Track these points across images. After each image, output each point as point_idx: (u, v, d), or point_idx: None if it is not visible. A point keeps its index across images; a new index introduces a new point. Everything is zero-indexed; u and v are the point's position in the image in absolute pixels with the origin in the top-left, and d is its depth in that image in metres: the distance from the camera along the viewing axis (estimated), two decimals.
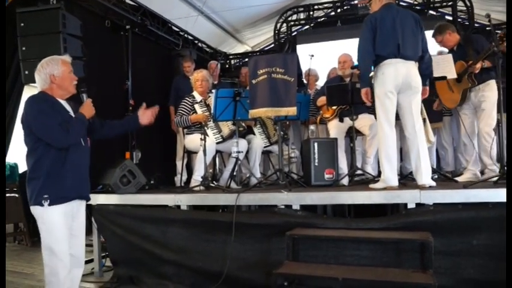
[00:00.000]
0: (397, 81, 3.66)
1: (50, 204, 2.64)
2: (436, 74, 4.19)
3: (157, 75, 7.03)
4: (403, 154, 5.26)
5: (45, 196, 2.64)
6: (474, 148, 4.40)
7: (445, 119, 5.42)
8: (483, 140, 4.26)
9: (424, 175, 3.63)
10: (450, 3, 8.21)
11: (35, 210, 2.70)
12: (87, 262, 4.61)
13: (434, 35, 4.58)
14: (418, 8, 8.66)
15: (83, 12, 5.45)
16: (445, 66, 4.25)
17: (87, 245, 5.20)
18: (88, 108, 2.83)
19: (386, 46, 3.67)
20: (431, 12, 8.73)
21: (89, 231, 4.70)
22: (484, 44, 4.27)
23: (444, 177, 4.55)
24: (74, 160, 2.74)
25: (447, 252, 3.11)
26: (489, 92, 4.27)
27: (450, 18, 8.31)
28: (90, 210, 4.44)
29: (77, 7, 5.40)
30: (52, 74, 2.75)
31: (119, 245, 4.23)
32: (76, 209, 2.84)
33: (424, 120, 4.11)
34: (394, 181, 3.69)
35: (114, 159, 4.82)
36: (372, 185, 3.86)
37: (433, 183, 3.64)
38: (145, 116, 3.10)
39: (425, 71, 3.87)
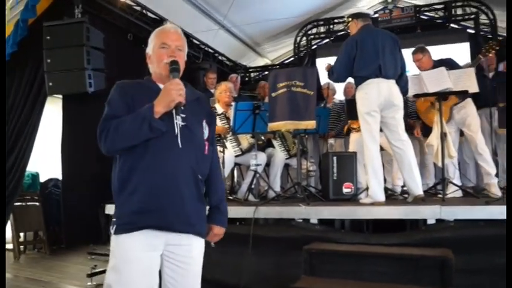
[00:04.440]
0: (380, 100, 3.84)
1: (115, 232, 1.80)
2: (457, 88, 4.16)
3: None
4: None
5: (113, 220, 1.84)
6: (455, 166, 4.70)
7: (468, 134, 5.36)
8: (483, 153, 4.43)
9: (420, 186, 3.87)
10: (473, 16, 8.12)
11: None
12: (104, 272, 4.66)
13: (415, 53, 4.73)
14: (439, 21, 8.59)
15: (106, 26, 5.58)
16: (467, 81, 4.22)
17: (104, 255, 5.30)
18: (165, 94, 1.78)
19: (368, 67, 3.86)
20: (452, 25, 8.65)
21: (106, 241, 4.77)
22: (457, 65, 4.60)
23: (465, 193, 4.47)
24: (151, 170, 1.79)
25: (468, 270, 3.03)
26: (469, 108, 4.54)
27: (472, 31, 8.23)
28: (109, 220, 4.49)
29: (100, 20, 5.52)
30: (147, 53, 2.03)
31: None
32: (173, 246, 1.85)
33: (444, 134, 4.07)
34: (381, 196, 3.85)
35: None
36: (361, 200, 3.99)
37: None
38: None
39: (403, 89, 4.03)
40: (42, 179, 7.12)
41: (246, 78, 9.76)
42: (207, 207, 2.03)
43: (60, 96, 5.73)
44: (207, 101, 2.14)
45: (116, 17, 5.79)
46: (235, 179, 5.66)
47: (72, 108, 5.55)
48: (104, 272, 4.65)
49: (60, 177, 6.03)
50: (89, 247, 5.95)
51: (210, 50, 8.04)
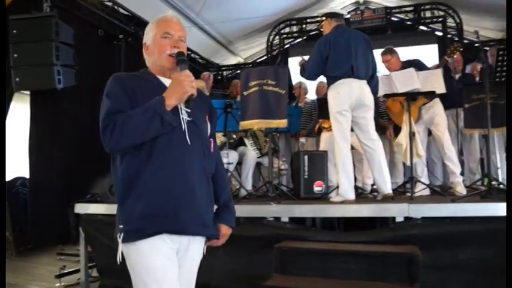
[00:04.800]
0: (351, 99, 3.90)
1: (123, 241, 1.65)
2: (425, 89, 4.25)
3: None
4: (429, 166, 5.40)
5: (120, 227, 1.67)
6: (424, 164, 4.81)
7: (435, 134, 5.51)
8: (449, 152, 4.51)
9: (388, 184, 3.94)
10: (440, 20, 8.34)
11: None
12: (73, 272, 4.59)
13: (384, 54, 4.80)
14: (409, 23, 8.77)
15: (76, 21, 5.47)
16: (435, 81, 4.31)
17: (74, 255, 5.21)
18: (177, 86, 1.65)
19: (340, 67, 3.91)
20: (422, 27, 8.85)
21: (76, 241, 4.69)
22: (425, 65, 4.70)
23: (433, 191, 4.58)
24: (161, 169, 1.66)
25: (434, 267, 3.12)
26: (437, 108, 4.63)
27: (440, 33, 8.44)
28: (78, 219, 4.41)
29: (70, 15, 5.42)
30: (144, 43, 1.87)
31: (106, 256, 4.18)
32: (183, 250, 1.74)
33: (413, 134, 4.16)
34: (351, 195, 3.91)
35: (104, 168, 4.78)
36: (332, 199, 4.04)
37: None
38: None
39: (373, 89, 4.11)
40: (9, 177, 6.92)
41: (219, 77, 9.74)
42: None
43: (28, 92, 5.59)
44: (208, 96, 2.07)
45: (87, 12, 5.69)
46: None
47: (40, 105, 5.43)
48: (73, 272, 4.59)
49: (27, 175, 5.89)
50: (57, 247, 5.83)
51: None
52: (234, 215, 1.98)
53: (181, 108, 1.70)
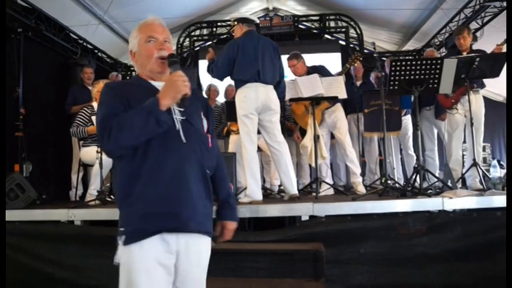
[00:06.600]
0: (258, 103, 4.01)
1: (126, 242, 1.68)
2: (328, 94, 4.50)
3: (53, 84, 6.64)
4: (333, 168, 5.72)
5: (121, 229, 1.71)
6: (327, 166, 5.07)
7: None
8: (350, 154, 4.81)
9: (294, 185, 4.09)
10: (344, 30, 8.86)
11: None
12: None
13: (290, 59, 5.02)
14: (315, 31, 9.20)
15: None
16: (337, 87, 4.58)
17: None
18: (171, 86, 1.66)
19: (247, 71, 4.01)
20: (327, 36, 9.33)
21: None
22: (328, 72, 4.98)
23: (336, 191, 4.85)
24: (157, 169, 1.68)
25: (338, 261, 3.31)
26: (339, 113, 4.95)
27: (343, 43, 8.96)
28: None
29: None
30: (130, 51, 1.89)
31: None
32: (183, 251, 1.72)
33: (317, 137, 4.38)
34: (259, 195, 4.02)
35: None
36: (240, 199, 4.13)
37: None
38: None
39: (280, 95, 4.29)
40: None
41: (127, 77, 9.45)
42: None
43: None
44: (201, 92, 2.08)
45: None
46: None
47: None
48: None
49: None
50: None
51: (89, 46, 7.65)
52: (236, 210, 2.02)
53: (173, 108, 1.72)
